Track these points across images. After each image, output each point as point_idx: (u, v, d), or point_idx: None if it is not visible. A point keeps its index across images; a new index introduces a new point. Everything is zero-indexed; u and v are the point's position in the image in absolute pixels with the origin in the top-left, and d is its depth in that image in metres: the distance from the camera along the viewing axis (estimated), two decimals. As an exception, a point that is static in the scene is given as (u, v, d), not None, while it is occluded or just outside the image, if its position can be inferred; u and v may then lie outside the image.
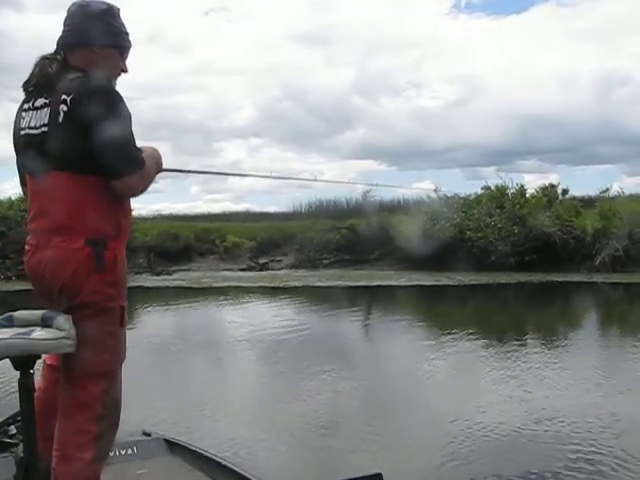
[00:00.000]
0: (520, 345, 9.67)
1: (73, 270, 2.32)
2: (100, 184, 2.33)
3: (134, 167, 2.35)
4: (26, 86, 2.49)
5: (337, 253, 22.08)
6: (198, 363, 8.72)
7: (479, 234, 19.31)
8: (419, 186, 25.75)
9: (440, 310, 14.34)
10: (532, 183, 19.02)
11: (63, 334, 2.26)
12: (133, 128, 2.39)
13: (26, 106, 2.46)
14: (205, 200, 64.02)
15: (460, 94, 42.37)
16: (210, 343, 9.99)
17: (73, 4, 2.51)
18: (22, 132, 2.45)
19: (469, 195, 21.83)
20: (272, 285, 17.41)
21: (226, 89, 48.55)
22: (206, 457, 3.12)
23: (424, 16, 45.42)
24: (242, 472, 2.91)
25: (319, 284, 17.69)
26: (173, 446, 3.27)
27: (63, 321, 2.28)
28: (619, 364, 8.50)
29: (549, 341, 10.02)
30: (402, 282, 17.62)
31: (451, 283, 17.16)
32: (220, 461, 3.05)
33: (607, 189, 21.61)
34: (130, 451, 3.13)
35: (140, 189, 2.44)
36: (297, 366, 8.29)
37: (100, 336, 2.34)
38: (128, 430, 3.28)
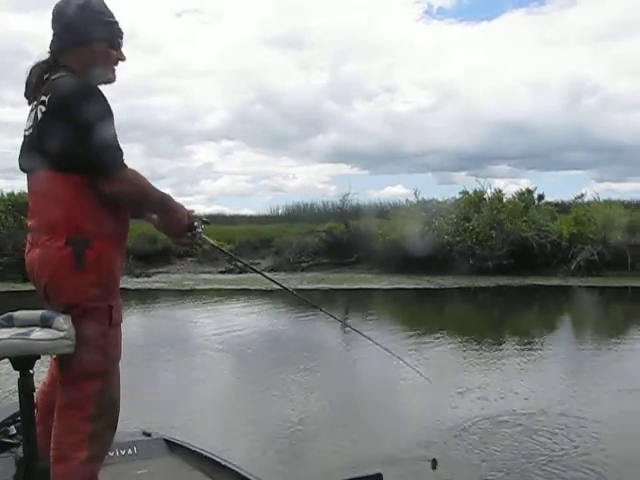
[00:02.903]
0: (497, 347, 9.87)
1: (53, 269, 2.33)
2: (83, 183, 2.33)
3: (109, 169, 2.32)
4: (26, 94, 2.53)
5: (316, 256, 22.15)
6: (184, 363, 8.75)
7: (457, 238, 19.54)
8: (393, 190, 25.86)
9: (420, 313, 14.52)
10: (503, 188, 19.49)
11: (62, 334, 2.26)
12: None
13: (29, 108, 2.51)
14: (178, 203, 63.33)
15: (432, 99, 42.75)
16: (198, 344, 10.01)
17: (56, 6, 2.51)
18: (24, 132, 2.51)
19: (447, 199, 22.07)
20: (254, 288, 17.44)
21: (198, 91, 48.32)
22: (206, 457, 3.12)
23: (396, 21, 45.71)
24: (242, 472, 2.92)
25: (300, 287, 17.73)
26: (173, 446, 3.26)
27: (62, 321, 2.28)
28: (591, 364, 8.79)
29: (525, 343, 10.21)
30: (383, 285, 17.76)
31: (431, 286, 17.33)
32: (220, 461, 3.05)
33: (582, 195, 22.00)
34: (130, 451, 3.12)
35: (120, 191, 2.36)
36: (276, 368, 8.40)
37: (89, 336, 2.33)
38: (128, 430, 3.30)
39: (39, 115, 2.38)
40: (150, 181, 2.48)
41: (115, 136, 2.38)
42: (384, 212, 23.96)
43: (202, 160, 48.58)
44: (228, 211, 31.67)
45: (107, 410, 2.40)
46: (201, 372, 8.30)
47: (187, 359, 9.01)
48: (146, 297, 15.89)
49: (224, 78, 46.55)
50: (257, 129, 45.19)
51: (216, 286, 18.21)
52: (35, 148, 2.40)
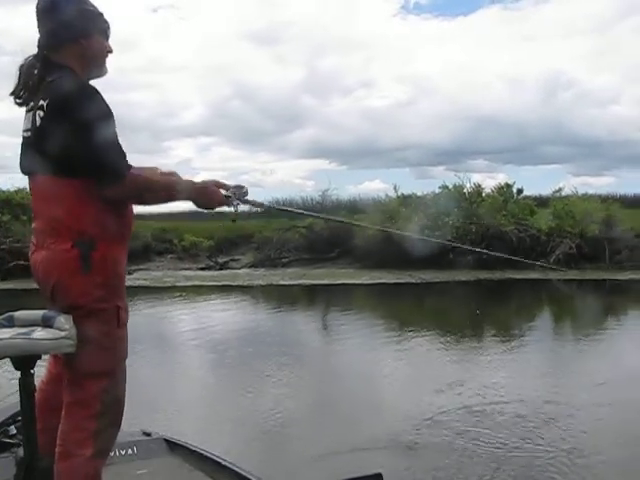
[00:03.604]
0: (476, 340, 10.03)
1: (60, 272, 2.34)
2: (84, 185, 2.32)
3: (111, 172, 2.31)
4: (16, 93, 2.49)
5: (296, 252, 22.14)
6: (161, 360, 8.74)
7: (437, 233, 19.60)
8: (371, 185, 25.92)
9: (402, 307, 14.63)
10: (482, 183, 19.69)
11: (63, 334, 2.27)
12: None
13: (26, 109, 2.48)
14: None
15: (409, 94, 42.98)
16: (178, 341, 10.06)
17: (39, 2, 2.47)
18: (22, 135, 2.49)
19: (426, 194, 22.15)
20: (236, 284, 17.44)
21: (175, 87, 48.17)
22: (206, 457, 3.13)
23: (373, 17, 45.88)
24: (242, 472, 2.92)
25: (283, 283, 17.81)
26: (173, 446, 3.26)
27: (64, 321, 2.29)
28: (569, 356, 8.97)
29: (504, 336, 10.36)
30: (365, 280, 17.81)
31: (413, 281, 17.43)
32: (220, 461, 3.06)
33: (560, 189, 22.19)
34: (130, 451, 3.12)
35: (123, 195, 2.38)
36: (254, 363, 8.46)
37: (95, 337, 2.34)
38: (128, 430, 3.27)
39: (38, 119, 2.35)
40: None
41: (116, 139, 2.36)
42: (364, 207, 24.02)
43: (180, 156, 48.41)
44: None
45: (112, 408, 2.43)
46: (178, 368, 8.32)
47: (165, 355, 9.01)
48: (127, 294, 15.75)
49: (201, 74, 46.46)
50: (234, 125, 45.16)
51: (197, 282, 18.18)
52: (36, 151, 2.38)
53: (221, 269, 21.23)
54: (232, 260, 22.25)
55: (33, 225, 2.51)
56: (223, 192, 2.58)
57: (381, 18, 45.53)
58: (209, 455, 3.12)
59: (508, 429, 5.65)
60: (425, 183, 70.26)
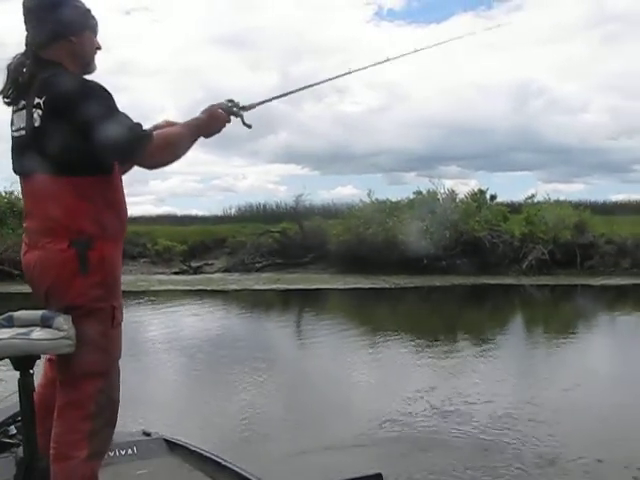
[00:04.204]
0: (449, 345, 10.06)
1: (57, 272, 2.30)
2: (83, 184, 2.30)
3: (138, 148, 2.31)
4: (5, 92, 2.44)
5: (270, 257, 22.10)
6: (130, 365, 8.65)
7: (411, 238, 19.67)
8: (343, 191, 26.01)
9: (375, 312, 14.60)
10: (453, 188, 19.84)
11: (62, 334, 2.24)
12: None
13: (14, 108, 2.43)
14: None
15: (382, 100, 43.00)
16: (149, 346, 9.91)
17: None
18: (12, 134, 2.44)
19: (401, 200, 22.24)
20: (210, 288, 17.36)
21: (148, 90, 47.67)
22: (206, 457, 3.10)
23: (347, 23, 45.87)
24: (242, 472, 2.90)
25: (257, 287, 17.75)
26: (173, 446, 3.23)
27: (63, 321, 2.26)
28: (540, 361, 9.07)
29: (477, 341, 10.42)
30: (339, 285, 17.82)
31: (387, 286, 17.46)
32: (220, 461, 3.03)
33: (533, 195, 22.42)
34: (130, 451, 3.09)
35: (160, 161, 2.42)
36: (225, 367, 8.45)
37: (92, 337, 2.31)
38: (128, 430, 3.28)
39: (36, 117, 2.29)
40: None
41: (123, 115, 2.32)
42: (337, 212, 24.08)
43: (151, 159, 47.89)
44: (178, 212, 31.43)
45: (106, 408, 2.39)
46: (148, 372, 8.22)
47: (136, 360, 8.86)
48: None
49: (174, 77, 46.13)
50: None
51: (171, 287, 18.04)
52: (34, 150, 2.32)
53: (195, 273, 21.12)
54: (206, 265, 22.15)
55: (25, 225, 2.45)
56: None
57: (355, 24, 45.60)
58: (209, 455, 3.10)
59: (478, 430, 5.71)
60: (397, 189, 70.56)
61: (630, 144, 39.77)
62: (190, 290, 17.28)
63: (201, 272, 21.37)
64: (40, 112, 2.28)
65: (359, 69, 3.13)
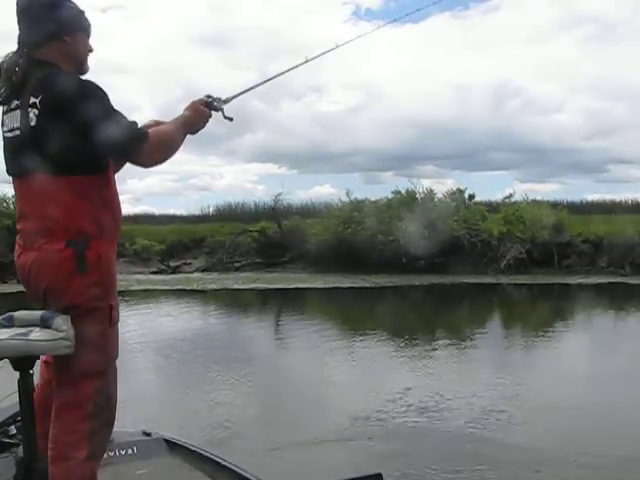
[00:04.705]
0: (427, 344, 10.12)
1: (55, 272, 2.30)
2: (80, 183, 2.31)
3: (135, 147, 2.32)
4: None
5: (249, 256, 22.08)
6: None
7: (390, 237, 19.73)
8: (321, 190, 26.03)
9: (355, 311, 14.71)
10: (434, 188, 19.97)
11: (61, 335, 2.25)
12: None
13: (5, 108, 2.43)
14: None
15: (359, 100, 43.00)
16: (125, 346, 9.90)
17: None
18: (3, 135, 2.44)
19: (379, 199, 22.27)
20: (190, 288, 17.28)
21: (124, 88, 47.27)
22: (206, 457, 3.10)
23: (324, 22, 45.82)
24: (242, 472, 2.91)
25: (237, 287, 17.71)
26: (173, 446, 3.23)
27: (62, 322, 2.26)
28: (518, 360, 9.19)
29: (455, 340, 10.49)
30: (319, 284, 17.82)
31: (367, 285, 17.50)
32: (220, 461, 3.04)
33: (511, 194, 22.56)
34: (130, 451, 3.09)
35: (156, 159, 2.43)
36: (203, 367, 8.43)
37: (90, 336, 2.31)
38: (128, 430, 3.27)
39: (33, 117, 2.28)
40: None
41: (120, 115, 2.33)
42: (316, 212, 24.08)
43: (127, 158, 47.54)
44: (156, 211, 31.25)
45: (105, 408, 2.39)
46: (124, 370, 8.18)
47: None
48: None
49: (150, 75, 45.74)
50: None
51: (150, 287, 17.94)
52: (30, 151, 2.31)
53: (173, 273, 21.02)
54: (184, 264, 22.06)
55: (19, 226, 2.45)
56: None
57: (332, 24, 45.57)
58: (209, 455, 3.10)
59: (453, 427, 5.82)
60: (375, 188, 70.52)
61: (604, 144, 40.27)
62: (169, 290, 17.20)
63: (179, 272, 21.27)
64: (36, 111, 2.27)
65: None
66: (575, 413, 6.27)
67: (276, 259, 21.65)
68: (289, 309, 15.02)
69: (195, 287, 17.47)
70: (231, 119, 2.72)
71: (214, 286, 17.82)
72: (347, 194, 22.14)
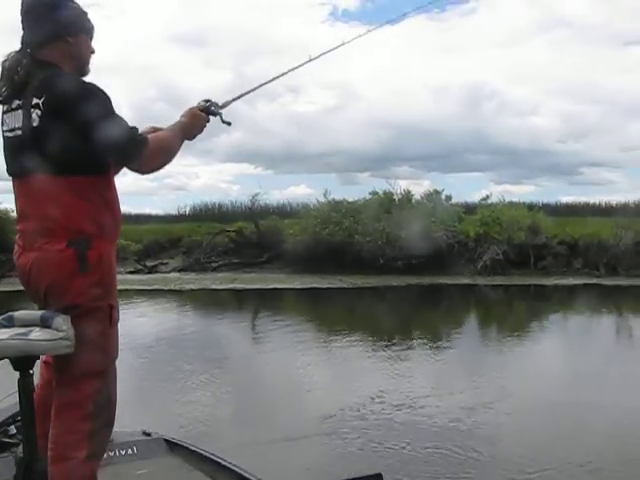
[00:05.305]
0: (403, 345, 10.22)
1: (56, 272, 2.30)
2: (81, 184, 2.32)
3: (134, 153, 2.35)
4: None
5: (226, 256, 22.00)
6: None
7: (368, 238, 19.76)
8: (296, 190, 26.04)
9: (334, 312, 14.75)
10: (412, 189, 20.12)
11: (61, 335, 2.25)
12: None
13: (5, 108, 2.43)
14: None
15: (336, 100, 43.02)
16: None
17: None
18: (3, 134, 2.44)
19: (357, 200, 22.28)
20: (167, 288, 17.20)
21: (101, 87, 47.06)
22: (206, 457, 3.11)
23: (302, 22, 45.82)
24: (242, 472, 2.92)
25: (214, 287, 17.66)
26: (173, 446, 3.24)
27: (62, 322, 2.27)
28: (493, 360, 9.34)
29: (430, 341, 10.60)
30: (296, 285, 17.83)
31: (345, 286, 17.53)
32: (220, 461, 3.04)
33: (487, 196, 22.71)
34: (130, 451, 3.09)
35: (154, 165, 2.45)
36: (181, 367, 8.40)
37: (90, 336, 2.32)
38: (128, 430, 3.27)
39: (35, 117, 2.28)
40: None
41: (122, 120, 2.35)
42: (293, 212, 24.05)
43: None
44: (132, 210, 31.03)
45: (105, 408, 2.40)
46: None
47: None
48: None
49: (127, 75, 45.42)
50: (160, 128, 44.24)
51: (127, 287, 17.70)
52: (32, 151, 2.31)
53: (150, 273, 20.88)
54: (161, 264, 21.92)
55: (19, 227, 2.45)
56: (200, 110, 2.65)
57: (309, 24, 45.58)
58: (209, 455, 3.11)
59: (425, 427, 5.90)
60: (351, 189, 70.62)
61: (578, 147, 40.65)
62: (146, 290, 17.08)
63: (156, 271, 21.14)
64: (39, 112, 2.28)
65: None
66: (548, 412, 6.40)
67: (253, 259, 21.59)
68: (266, 309, 15.00)
69: (172, 287, 17.39)
70: (229, 123, 2.73)
71: (191, 286, 17.75)
72: (325, 194, 22.15)
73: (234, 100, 2.78)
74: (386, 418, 6.13)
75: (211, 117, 2.65)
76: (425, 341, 10.43)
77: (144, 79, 46.44)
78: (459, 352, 9.70)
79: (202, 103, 2.65)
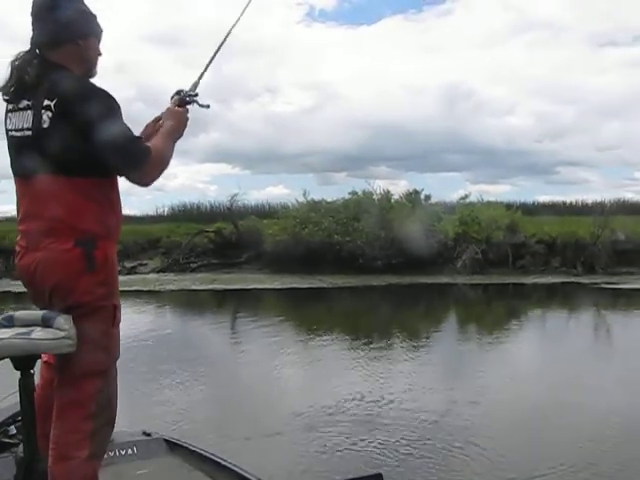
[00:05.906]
0: (382, 344, 10.28)
1: (64, 271, 2.31)
2: (88, 185, 2.34)
3: (137, 164, 2.37)
4: (6, 90, 2.43)
5: (205, 257, 21.91)
6: None
7: (347, 238, 19.77)
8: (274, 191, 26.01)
9: (313, 312, 14.76)
10: (391, 189, 20.18)
11: (63, 334, 2.25)
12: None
13: (10, 107, 2.43)
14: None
15: (313, 101, 43.10)
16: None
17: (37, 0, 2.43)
18: (9, 134, 2.43)
19: (336, 200, 22.29)
20: (147, 289, 17.09)
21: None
22: (206, 457, 3.12)
23: (278, 23, 45.76)
24: (242, 472, 2.92)
25: (194, 288, 17.59)
26: (173, 446, 3.25)
27: (63, 321, 2.27)
28: (472, 358, 9.37)
29: (410, 340, 10.68)
30: (276, 285, 17.79)
31: (325, 286, 17.54)
32: (220, 461, 3.06)
33: (466, 195, 22.83)
34: (130, 451, 3.11)
35: (155, 176, 2.46)
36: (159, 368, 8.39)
37: (93, 335, 2.34)
38: (128, 430, 3.26)
39: (45, 119, 2.29)
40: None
41: (130, 130, 2.38)
42: (271, 212, 24.01)
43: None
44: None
45: (106, 408, 2.41)
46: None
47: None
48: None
49: (103, 74, 45.06)
50: (137, 128, 43.88)
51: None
52: (41, 152, 2.32)
53: (129, 274, 20.70)
54: (140, 265, 21.74)
55: (22, 227, 2.45)
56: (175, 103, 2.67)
57: (286, 25, 45.57)
58: (209, 455, 3.12)
59: (402, 425, 5.90)
60: (328, 189, 70.83)
61: (554, 147, 41.17)
62: (125, 290, 16.94)
63: (135, 272, 20.96)
64: (50, 114, 2.29)
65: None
66: (527, 409, 6.48)
67: (233, 260, 21.52)
68: (246, 310, 14.96)
69: (152, 288, 17.30)
70: (208, 106, 2.74)
71: (171, 287, 17.67)
72: (304, 194, 22.14)
73: (200, 78, 2.79)
74: (363, 416, 6.16)
75: (189, 107, 2.67)
76: (405, 340, 10.49)
77: (120, 79, 46.06)
78: (439, 351, 9.77)
79: (176, 97, 2.67)
